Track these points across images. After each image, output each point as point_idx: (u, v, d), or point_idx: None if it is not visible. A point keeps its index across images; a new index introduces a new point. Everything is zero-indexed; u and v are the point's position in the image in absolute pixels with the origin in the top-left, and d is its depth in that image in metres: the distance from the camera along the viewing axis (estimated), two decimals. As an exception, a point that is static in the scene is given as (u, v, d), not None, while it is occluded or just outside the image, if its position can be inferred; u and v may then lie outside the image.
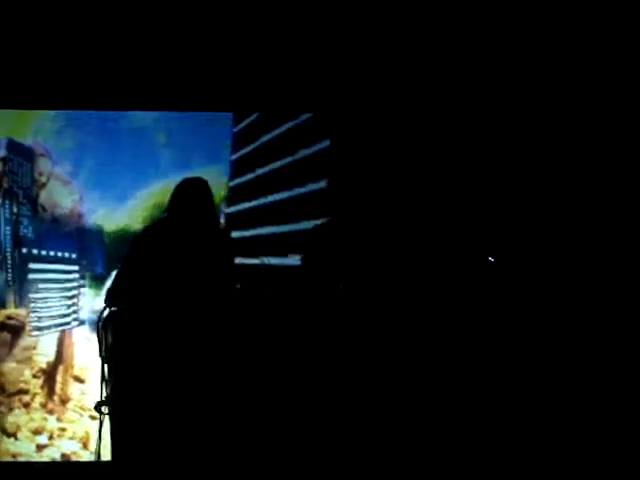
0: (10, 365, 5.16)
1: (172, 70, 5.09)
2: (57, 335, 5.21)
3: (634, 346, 4.49)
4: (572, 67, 4.92)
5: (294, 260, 4.83)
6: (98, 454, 3.98)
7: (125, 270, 4.03)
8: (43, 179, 5.28)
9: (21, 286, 5.18)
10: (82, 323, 5.24)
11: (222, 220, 5.12)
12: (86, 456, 5.12)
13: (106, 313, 4.01)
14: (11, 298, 5.17)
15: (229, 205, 5.27)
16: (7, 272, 5.16)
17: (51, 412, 5.17)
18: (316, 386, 3.97)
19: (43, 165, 5.27)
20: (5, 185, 5.23)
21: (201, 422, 3.81)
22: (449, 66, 5.03)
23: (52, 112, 5.21)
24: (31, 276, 5.20)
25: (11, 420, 5.13)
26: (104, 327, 4.00)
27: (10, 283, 5.17)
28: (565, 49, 4.93)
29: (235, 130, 5.31)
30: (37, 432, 5.14)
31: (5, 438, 5.11)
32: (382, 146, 5.11)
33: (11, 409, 5.14)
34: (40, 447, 5.14)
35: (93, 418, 5.12)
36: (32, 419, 5.15)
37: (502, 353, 4.31)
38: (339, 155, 5.18)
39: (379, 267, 4.59)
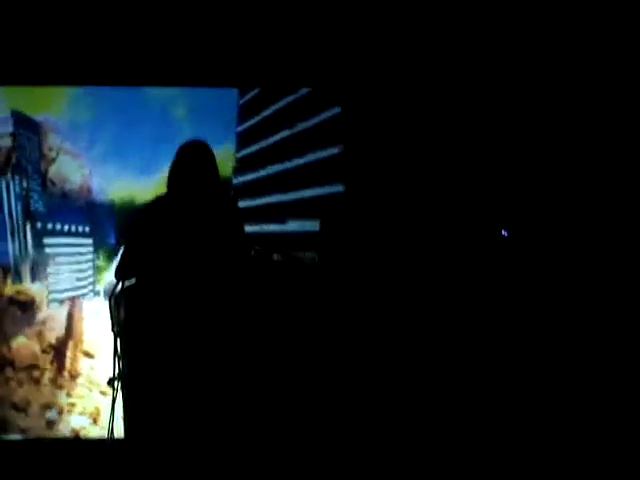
0: (19, 340, 5.15)
1: (179, 46, 5.07)
2: (67, 310, 5.20)
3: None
4: (583, 54, 4.90)
5: (298, 226, 4.96)
6: (111, 430, 3.96)
7: (132, 245, 3.98)
8: (53, 154, 5.26)
9: (33, 261, 5.18)
10: (97, 294, 5.23)
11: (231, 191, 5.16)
12: (96, 431, 5.13)
13: (118, 288, 3.97)
14: (22, 273, 5.17)
15: (237, 176, 5.27)
16: (18, 247, 5.15)
17: (61, 387, 5.17)
18: (326, 361, 3.96)
19: (53, 140, 5.26)
20: (14, 160, 5.20)
21: (214, 396, 3.79)
22: (459, 34, 5.00)
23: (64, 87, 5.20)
24: (43, 250, 5.19)
25: (21, 395, 5.12)
26: (116, 302, 3.97)
27: (22, 258, 5.16)
28: (575, 38, 4.91)
29: (241, 102, 5.30)
30: (47, 407, 5.14)
31: (15, 413, 5.11)
32: (393, 114, 5.09)
33: (21, 384, 5.14)
34: (50, 422, 5.14)
35: (103, 393, 5.14)
36: (42, 394, 5.15)
37: (517, 330, 4.30)
38: (350, 122, 5.17)
39: (392, 237, 4.57)
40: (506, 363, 4.27)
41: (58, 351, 5.18)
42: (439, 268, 4.57)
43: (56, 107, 5.22)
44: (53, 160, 5.26)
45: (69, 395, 5.17)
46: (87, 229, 5.25)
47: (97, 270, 5.25)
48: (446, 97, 5.05)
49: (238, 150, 5.29)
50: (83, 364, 5.19)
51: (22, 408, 5.12)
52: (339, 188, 5.15)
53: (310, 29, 5.08)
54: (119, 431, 3.98)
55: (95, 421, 5.15)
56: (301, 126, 5.25)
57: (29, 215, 5.20)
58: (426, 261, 4.59)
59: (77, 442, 5.13)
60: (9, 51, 5.00)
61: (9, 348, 5.14)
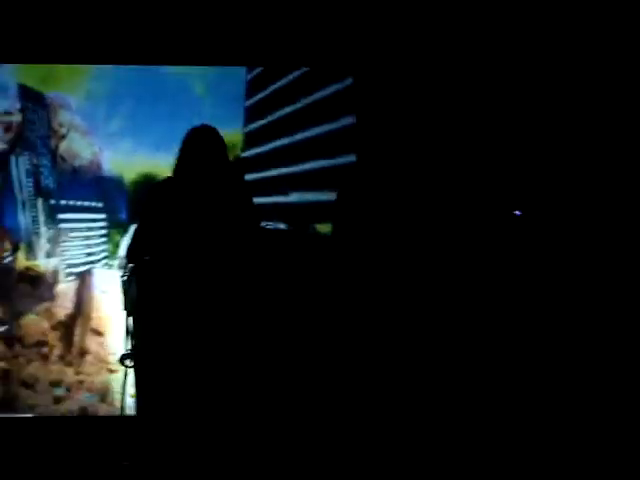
0: (29, 317, 5.15)
1: (188, 25, 5.07)
2: (76, 287, 5.20)
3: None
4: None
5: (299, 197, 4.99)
6: (122, 408, 3.96)
7: (143, 225, 3.98)
8: (63, 130, 5.25)
9: (43, 237, 5.17)
10: (108, 269, 5.23)
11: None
12: (103, 409, 5.14)
13: (129, 267, 3.97)
14: (33, 249, 5.16)
15: (245, 150, 5.27)
16: (29, 223, 5.14)
17: (69, 364, 5.16)
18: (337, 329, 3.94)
19: (63, 117, 5.25)
20: (23, 135, 5.19)
21: (228, 373, 3.78)
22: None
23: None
24: (54, 226, 5.19)
25: (29, 372, 5.13)
26: (128, 281, 3.97)
27: (32, 234, 5.15)
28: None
29: (249, 77, 5.31)
30: (55, 384, 5.14)
31: (23, 389, 5.11)
32: (406, 85, 5.09)
33: (29, 361, 5.14)
34: (57, 399, 5.14)
35: (111, 371, 5.14)
36: (50, 371, 5.15)
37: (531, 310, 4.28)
38: (362, 93, 5.18)
39: (404, 211, 4.54)
40: (523, 345, 4.25)
41: (67, 328, 5.18)
42: (452, 244, 4.55)
43: (69, 83, 5.21)
44: (63, 137, 5.25)
45: (77, 372, 5.16)
46: (98, 204, 5.24)
47: (109, 246, 5.24)
48: (462, 68, 5.03)
49: (246, 125, 5.29)
50: (92, 341, 5.18)
51: (30, 384, 5.12)
52: (344, 160, 5.18)
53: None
54: (130, 408, 3.98)
55: (103, 398, 5.15)
56: (311, 98, 5.25)
57: (40, 191, 5.19)
58: (439, 237, 4.57)
59: (85, 419, 5.13)
60: (28, 29, 5.00)
61: (18, 324, 5.13)
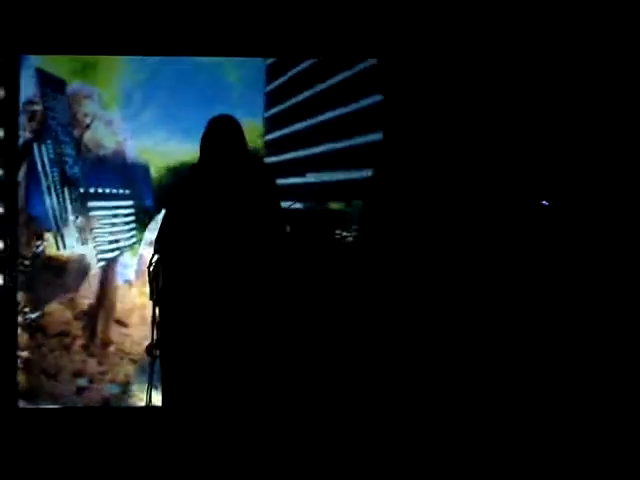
0: (52, 306, 5.14)
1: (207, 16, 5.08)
2: (100, 277, 5.18)
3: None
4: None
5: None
6: (149, 398, 3.94)
7: (169, 217, 3.98)
8: (87, 120, 5.24)
9: (69, 225, 5.17)
10: (135, 256, 5.23)
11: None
12: (126, 400, 5.13)
13: (156, 257, 3.96)
14: (58, 238, 5.15)
15: (266, 134, 5.27)
16: (54, 212, 5.13)
17: (92, 355, 5.15)
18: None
19: (88, 107, 5.24)
20: (45, 124, 5.18)
21: (251, 366, 3.76)
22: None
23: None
24: (79, 215, 5.18)
25: (52, 362, 5.11)
26: (155, 271, 3.96)
27: (57, 223, 5.14)
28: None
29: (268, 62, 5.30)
30: (77, 374, 5.13)
31: (45, 379, 5.10)
32: (428, 68, 5.08)
33: (52, 351, 5.13)
34: (80, 389, 5.13)
35: (134, 362, 5.13)
36: (73, 361, 5.14)
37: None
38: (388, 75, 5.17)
39: (433, 207, 4.52)
40: (546, 336, 4.24)
41: (90, 318, 5.16)
42: (479, 234, 4.53)
43: (101, 72, 5.23)
44: (88, 127, 5.24)
45: (100, 363, 5.15)
46: (124, 192, 5.22)
47: (134, 234, 5.23)
48: (489, 51, 5.00)
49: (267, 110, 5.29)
50: (115, 332, 5.17)
51: (52, 374, 5.11)
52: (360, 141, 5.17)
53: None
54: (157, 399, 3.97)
55: (126, 390, 5.13)
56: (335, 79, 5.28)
57: (65, 179, 5.18)
58: (466, 227, 4.55)
59: (107, 410, 5.12)
60: (60, 21, 5.02)
61: (41, 314, 5.12)
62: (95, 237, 5.19)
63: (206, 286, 3.78)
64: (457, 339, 4.10)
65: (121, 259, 5.21)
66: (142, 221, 5.22)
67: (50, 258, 5.15)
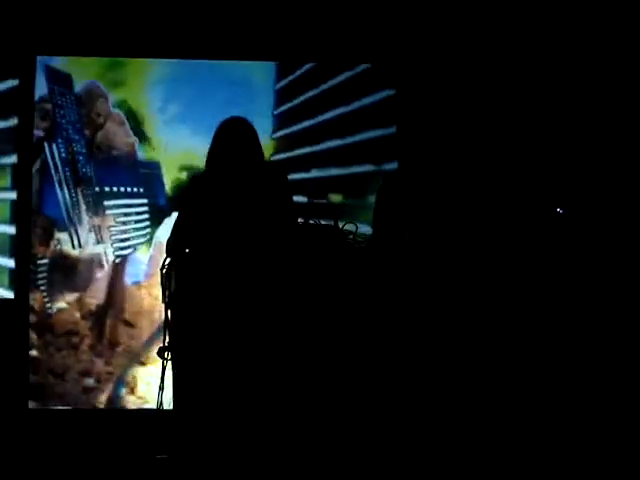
0: (60, 305, 5.13)
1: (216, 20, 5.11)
2: (109, 278, 5.18)
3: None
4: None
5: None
6: (160, 401, 3.93)
7: (181, 219, 3.97)
8: (100, 120, 5.24)
9: (80, 224, 5.16)
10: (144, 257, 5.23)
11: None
12: (132, 401, 5.12)
13: (169, 260, 3.95)
14: (68, 236, 5.15)
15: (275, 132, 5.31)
16: (65, 211, 5.13)
17: (99, 355, 5.14)
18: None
19: (101, 106, 5.23)
20: (55, 122, 5.17)
21: (263, 369, 3.75)
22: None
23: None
24: (91, 214, 5.18)
25: (59, 361, 5.10)
26: (167, 274, 3.94)
27: (68, 221, 5.14)
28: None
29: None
30: (84, 374, 5.12)
31: (52, 379, 5.09)
32: (445, 93, 5.10)
33: (59, 350, 5.12)
34: (87, 390, 5.12)
35: (142, 363, 5.13)
36: (80, 361, 5.12)
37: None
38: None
39: (445, 214, 4.52)
40: (561, 337, 4.23)
41: (98, 318, 5.15)
42: (495, 244, 4.52)
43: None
44: (101, 126, 5.23)
45: (107, 363, 5.14)
46: (136, 191, 5.23)
47: (145, 233, 5.23)
48: (498, 76, 5.01)
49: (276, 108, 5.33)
50: (123, 333, 5.16)
51: (59, 374, 5.10)
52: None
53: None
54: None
55: (132, 391, 5.13)
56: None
57: (77, 178, 5.17)
58: (482, 238, 4.55)
59: (114, 412, 5.11)
60: (87, 23, 5.05)
61: (49, 313, 5.11)
62: (109, 236, 5.18)
63: (219, 290, 3.77)
64: (469, 342, 4.10)
65: (131, 259, 5.20)
66: (155, 220, 5.22)
67: (63, 257, 5.14)
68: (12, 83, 5.11)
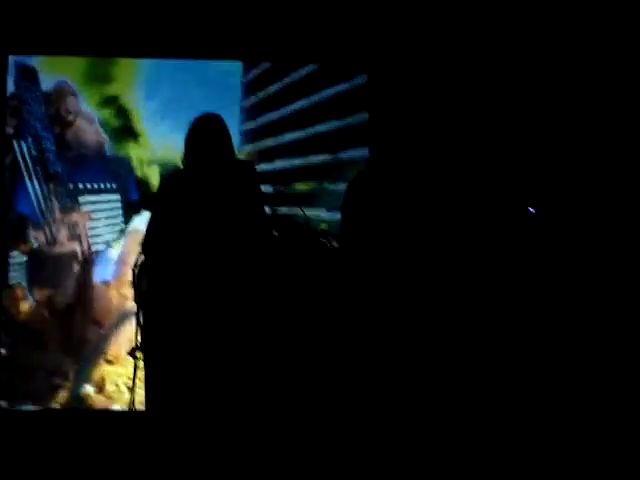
0: (30, 304, 5.10)
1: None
2: (78, 276, 5.15)
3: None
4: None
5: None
6: (132, 401, 3.92)
7: (155, 218, 3.95)
8: (70, 117, 5.21)
9: (49, 221, 5.13)
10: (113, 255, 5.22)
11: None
12: (100, 400, 5.10)
13: (141, 260, 3.94)
14: (41, 233, 5.13)
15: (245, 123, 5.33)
16: (36, 208, 5.10)
17: (68, 354, 5.12)
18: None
19: (71, 104, 5.20)
20: (22, 118, 5.15)
21: (237, 369, 3.76)
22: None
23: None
24: (60, 211, 5.15)
25: (27, 359, 5.07)
26: (139, 273, 3.93)
27: (40, 218, 5.12)
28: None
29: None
30: (52, 373, 5.09)
31: (20, 377, 5.06)
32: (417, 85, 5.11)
33: (27, 349, 5.08)
34: (55, 389, 5.09)
35: (109, 362, 5.11)
36: (48, 360, 5.09)
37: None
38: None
39: (414, 210, 4.53)
40: (539, 338, 4.26)
41: (67, 317, 5.13)
42: (464, 243, 4.55)
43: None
44: (70, 123, 5.21)
45: (76, 362, 5.12)
46: (109, 186, 5.22)
47: (120, 230, 5.22)
48: (473, 67, 5.03)
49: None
50: (91, 332, 5.14)
51: (27, 372, 5.07)
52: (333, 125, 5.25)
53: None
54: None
55: (100, 390, 5.11)
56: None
57: (48, 175, 5.15)
58: (450, 236, 4.57)
59: (82, 412, 5.09)
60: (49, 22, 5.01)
61: (18, 311, 5.08)
62: (82, 233, 5.16)
63: (191, 289, 3.77)
64: (442, 341, 4.12)
65: (101, 257, 5.18)
66: (128, 216, 5.20)
67: (35, 254, 5.12)
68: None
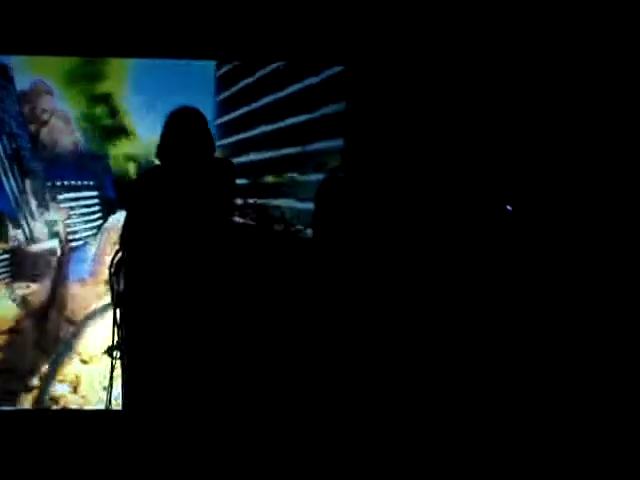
0: (4, 303, 5.08)
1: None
2: (53, 275, 5.14)
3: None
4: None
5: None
6: (109, 400, 3.92)
7: (131, 217, 3.95)
8: (45, 116, 5.19)
9: (24, 219, 5.12)
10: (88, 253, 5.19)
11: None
12: (75, 400, 5.09)
13: (117, 258, 3.93)
14: (18, 232, 5.10)
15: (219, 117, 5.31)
16: (15, 205, 5.08)
17: (42, 353, 5.10)
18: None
19: (47, 103, 5.18)
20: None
21: (216, 365, 3.76)
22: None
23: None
24: (36, 208, 5.13)
25: (2, 359, 5.05)
26: (116, 272, 3.93)
27: (17, 217, 5.10)
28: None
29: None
30: (27, 372, 5.08)
31: (-3, 377, 5.06)
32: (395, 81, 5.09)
33: (2, 348, 5.06)
34: (29, 388, 5.08)
35: (84, 362, 5.10)
36: (22, 359, 5.08)
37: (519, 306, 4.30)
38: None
39: (393, 211, 4.54)
40: (515, 342, 4.28)
41: (42, 316, 5.11)
42: (442, 242, 4.55)
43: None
44: (45, 122, 5.19)
45: (50, 361, 5.10)
46: (85, 183, 5.20)
47: (96, 227, 5.21)
48: (452, 63, 4.98)
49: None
50: (65, 331, 5.12)
51: (2, 372, 5.05)
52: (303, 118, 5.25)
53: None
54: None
55: (75, 389, 5.10)
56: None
57: (24, 172, 5.13)
58: (428, 234, 4.57)
59: (57, 412, 5.07)
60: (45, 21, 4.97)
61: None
62: (60, 230, 5.14)
63: (169, 286, 3.77)
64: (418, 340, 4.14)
65: (76, 255, 5.17)
66: (104, 213, 5.19)
67: (14, 252, 5.10)
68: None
